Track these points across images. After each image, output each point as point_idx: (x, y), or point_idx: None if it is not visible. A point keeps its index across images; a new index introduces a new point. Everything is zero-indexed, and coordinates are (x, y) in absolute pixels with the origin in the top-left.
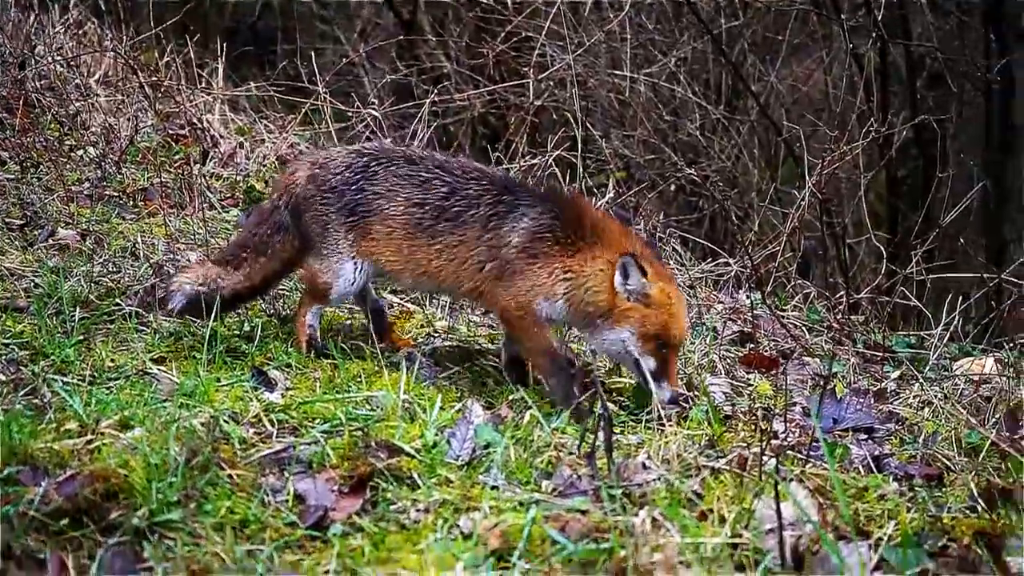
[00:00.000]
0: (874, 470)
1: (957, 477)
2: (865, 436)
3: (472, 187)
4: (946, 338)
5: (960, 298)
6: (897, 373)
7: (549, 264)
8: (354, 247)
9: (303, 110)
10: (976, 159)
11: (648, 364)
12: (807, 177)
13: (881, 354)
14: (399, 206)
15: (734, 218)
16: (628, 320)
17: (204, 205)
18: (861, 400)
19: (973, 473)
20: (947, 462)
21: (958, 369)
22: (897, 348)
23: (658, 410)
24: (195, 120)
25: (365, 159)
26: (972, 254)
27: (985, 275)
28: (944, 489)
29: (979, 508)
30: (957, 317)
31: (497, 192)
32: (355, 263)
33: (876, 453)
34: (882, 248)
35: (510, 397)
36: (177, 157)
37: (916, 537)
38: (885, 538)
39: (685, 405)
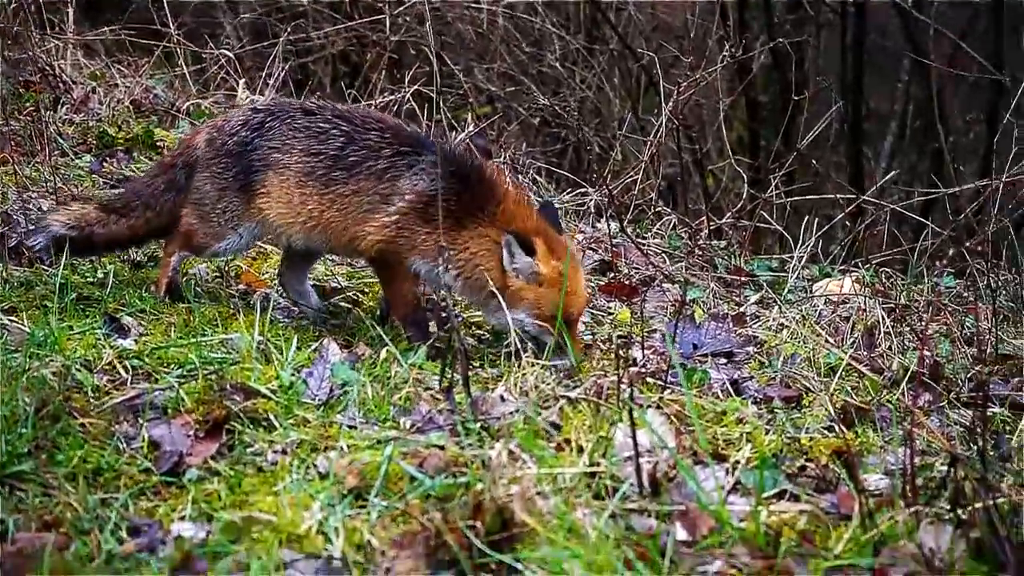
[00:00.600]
0: (733, 394)
1: (815, 398)
2: (724, 361)
3: (372, 137)
4: (805, 260)
5: (821, 220)
6: (757, 297)
7: (435, 232)
8: (245, 213)
9: (157, 53)
10: (833, 81)
11: (547, 340)
12: (664, 104)
13: (742, 278)
14: (294, 156)
15: (596, 148)
16: (522, 302)
17: (56, 152)
18: (720, 325)
19: (831, 393)
20: (805, 383)
21: (817, 291)
22: (758, 272)
23: (515, 343)
24: (46, 66)
25: (261, 115)
26: (832, 176)
27: (841, 196)
28: (802, 410)
29: (836, 428)
30: (817, 239)
31: (398, 144)
32: (240, 232)
33: (735, 377)
34: (743, 173)
35: (367, 335)
36: (27, 104)
37: (774, 459)
38: (743, 461)
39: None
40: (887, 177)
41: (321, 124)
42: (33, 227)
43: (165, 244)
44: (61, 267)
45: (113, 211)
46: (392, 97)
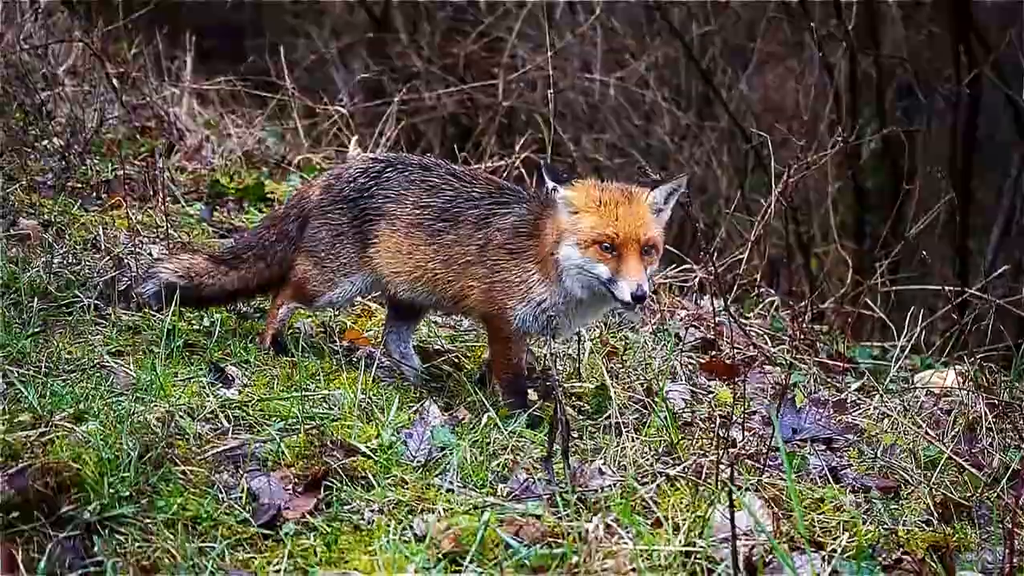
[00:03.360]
0: (831, 481)
1: (914, 490)
2: (823, 447)
3: (476, 190)
4: (908, 350)
5: (924, 310)
6: (858, 384)
7: (524, 260)
8: (358, 261)
9: (271, 105)
10: (943, 171)
11: (600, 271)
12: (773, 185)
13: (843, 365)
14: (405, 207)
15: (701, 224)
16: (565, 235)
17: (168, 198)
18: (820, 410)
19: (929, 487)
20: (904, 475)
21: (919, 381)
22: (859, 359)
23: (616, 417)
24: (162, 112)
25: (381, 165)
26: (938, 266)
27: (948, 287)
28: (900, 502)
29: (934, 522)
30: (920, 329)
31: (498, 195)
32: (353, 280)
33: (834, 464)
34: (848, 259)
35: (468, 399)
36: (142, 150)
37: (870, 549)
38: (839, 550)
39: (645, 301)
40: (995, 273)
41: (434, 179)
42: (144, 273)
43: (274, 296)
44: (169, 313)
45: (223, 262)
46: (502, 162)
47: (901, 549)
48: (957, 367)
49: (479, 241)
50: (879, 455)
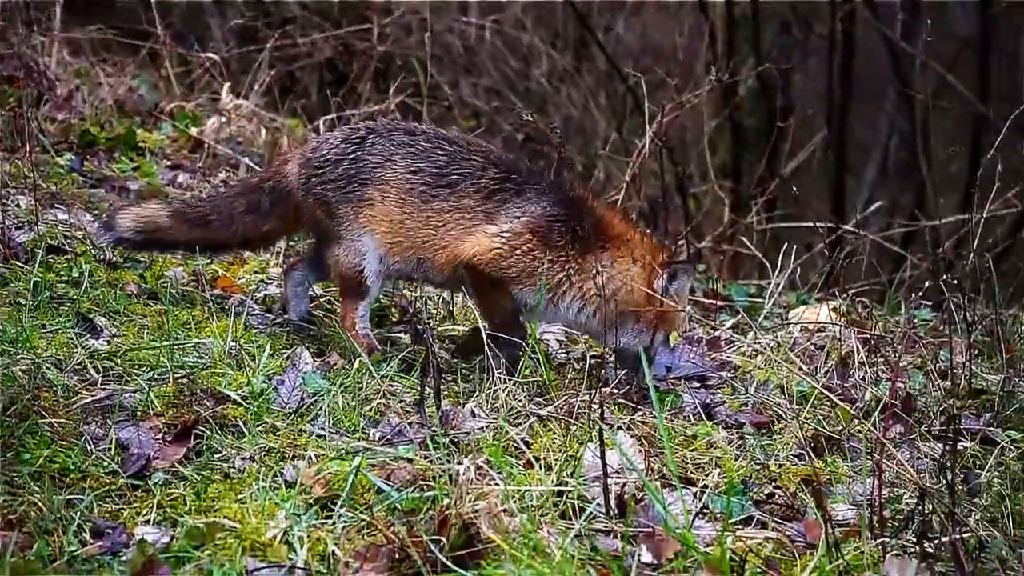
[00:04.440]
0: (704, 418)
1: (786, 425)
2: (698, 384)
3: (475, 159)
4: (783, 287)
5: (800, 248)
6: (732, 322)
7: (561, 260)
8: (360, 219)
9: (143, 53)
10: (821, 109)
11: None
12: (648, 125)
13: (718, 303)
14: (395, 173)
15: (579, 166)
16: (667, 323)
17: (36, 149)
18: (695, 348)
19: (802, 421)
20: (777, 411)
21: (793, 318)
22: (736, 297)
23: (489, 358)
24: (30, 62)
25: (362, 132)
26: (813, 204)
27: (822, 224)
28: (773, 437)
29: (806, 456)
30: (795, 267)
31: (503, 170)
32: (371, 236)
33: (708, 401)
34: (725, 198)
35: (340, 345)
36: (10, 100)
37: (742, 484)
38: (711, 486)
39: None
40: (869, 208)
41: (423, 143)
42: (104, 223)
43: (341, 315)
44: (36, 264)
45: (187, 221)
46: (377, 107)
47: (773, 483)
48: (830, 303)
49: (489, 210)
50: (752, 391)
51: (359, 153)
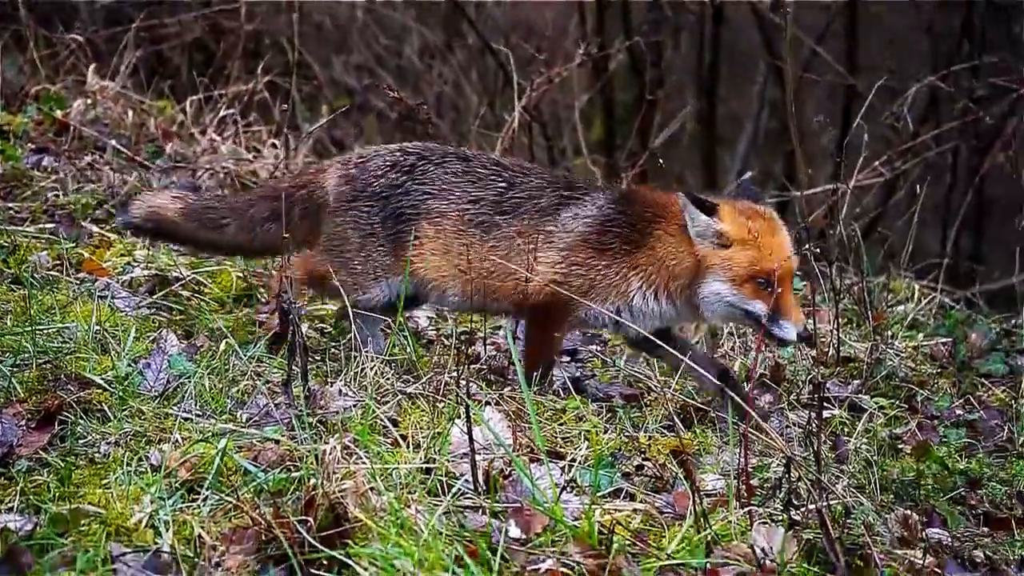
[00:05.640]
0: (573, 392)
1: (655, 398)
2: (567, 359)
3: (534, 180)
4: None
5: None
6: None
7: (618, 262)
8: (393, 266)
9: (6, 36)
10: (690, 82)
11: (757, 308)
12: (517, 100)
13: None
14: (452, 204)
15: (451, 143)
16: (712, 269)
17: None
18: None
19: (671, 393)
20: (647, 383)
21: None
22: None
23: (354, 336)
24: None
25: (412, 158)
26: (686, 176)
27: None
28: (643, 410)
29: (675, 428)
30: None
31: (562, 187)
32: (387, 285)
33: (577, 375)
34: (598, 171)
35: (208, 327)
36: None
37: (611, 457)
38: (580, 459)
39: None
40: (740, 179)
41: (479, 170)
42: (121, 204)
43: (281, 270)
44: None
45: (197, 221)
46: (247, 87)
47: (642, 456)
48: None
49: (547, 228)
50: (622, 365)
51: (410, 184)
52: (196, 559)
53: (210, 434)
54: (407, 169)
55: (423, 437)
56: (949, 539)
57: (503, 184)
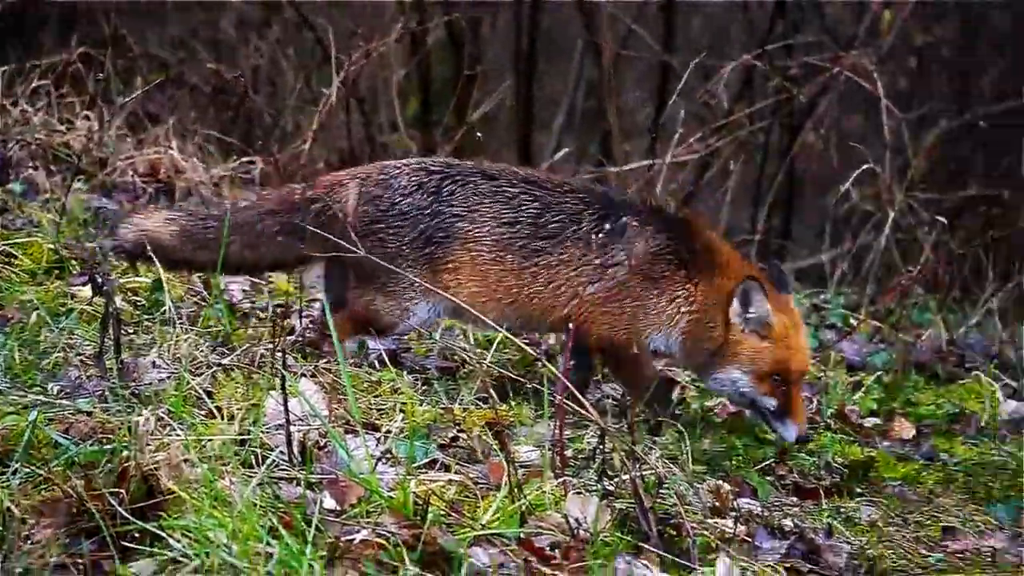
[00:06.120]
0: (389, 365)
1: (471, 370)
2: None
3: (569, 201)
4: None
5: None
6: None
7: (671, 291)
8: (423, 288)
9: None
10: (507, 59)
11: (767, 404)
12: (335, 75)
13: None
14: (485, 227)
15: (267, 118)
16: (739, 357)
17: None
18: None
19: (487, 366)
20: (463, 355)
21: None
22: None
23: (172, 310)
24: None
25: (436, 176)
26: (502, 153)
27: None
28: (458, 382)
29: (490, 399)
30: None
31: (599, 206)
32: (430, 303)
33: (394, 348)
34: (415, 147)
35: (19, 298)
36: None
37: (426, 429)
38: (395, 431)
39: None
40: (556, 156)
41: (509, 189)
42: (111, 227)
43: (342, 320)
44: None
45: (195, 242)
46: (59, 58)
47: (457, 427)
48: None
49: (597, 261)
50: (438, 337)
51: (437, 206)
52: (5, 532)
53: (20, 406)
54: (433, 191)
55: (238, 409)
56: (759, 508)
57: (537, 205)
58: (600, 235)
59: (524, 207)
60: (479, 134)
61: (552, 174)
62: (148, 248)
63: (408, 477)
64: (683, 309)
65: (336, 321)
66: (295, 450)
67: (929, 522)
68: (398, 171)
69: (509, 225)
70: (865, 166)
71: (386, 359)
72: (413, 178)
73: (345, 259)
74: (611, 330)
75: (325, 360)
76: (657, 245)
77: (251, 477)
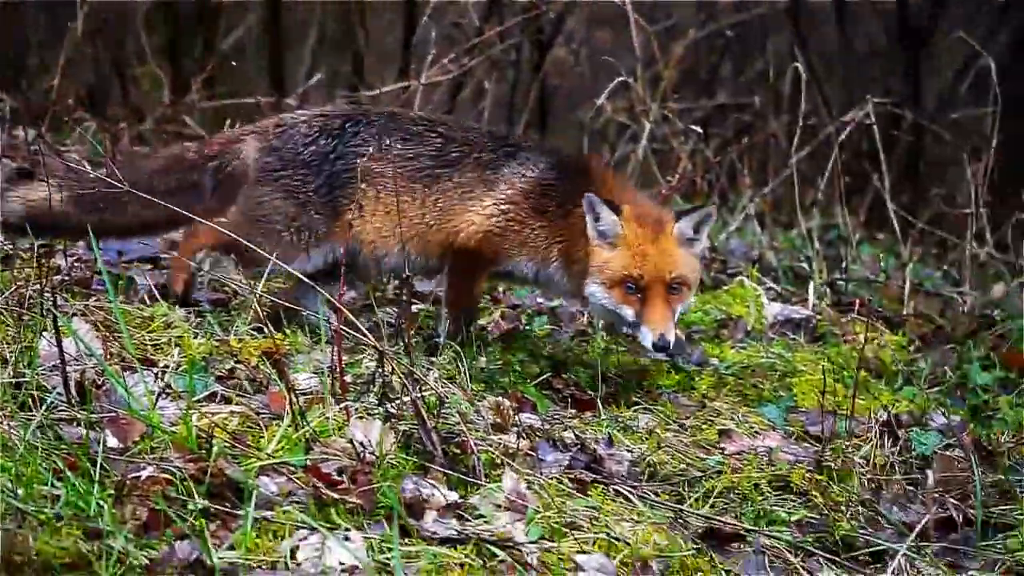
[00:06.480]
0: (160, 299)
1: (244, 300)
2: (150, 267)
3: (471, 135)
4: None
5: (241, 124)
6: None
7: (549, 224)
8: (330, 232)
9: None
10: None
11: (626, 313)
12: (79, 8)
13: None
14: (391, 164)
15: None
16: (593, 269)
17: None
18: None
19: (259, 296)
20: (235, 287)
21: None
22: None
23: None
24: None
25: (339, 119)
26: (256, 80)
27: (263, 99)
28: (231, 313)
29: (265, 329)
30: None
31: (498, 138)
32: (322, 251)
33: (161, 281)
34: (164, 78)
35: None
36: None
37: (203, 362)
38: (172, 365)
39: (671, 352)
40: (310, 82)
41: (411, 127)
42: None
43: (187, 237)
44: None
45: (89, 205)
46: None
47: (235, 359)
48: None
49: (488, 178)
50: (207, 271)
51: (341, 148)
52: None
53: None
54: (336, 134)
55: (10, 352)
56: (540, 423)
57: (439, 140)
58: (495, 160)
59: (427, 141)
60: (233, 63)
61: (449, 118)
62: (41, 219)
63: (189, 411)
64: (556, 239)
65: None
66: (73, 390)
67: (705, 426)
68: (296, 121)
69: (413, 159)
70: (618, 80)
71: (156, 293)
72: (314, 124)
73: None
74: (486, 240)
75: (95, 298)
76: (544, 178)
77: (30, 420)
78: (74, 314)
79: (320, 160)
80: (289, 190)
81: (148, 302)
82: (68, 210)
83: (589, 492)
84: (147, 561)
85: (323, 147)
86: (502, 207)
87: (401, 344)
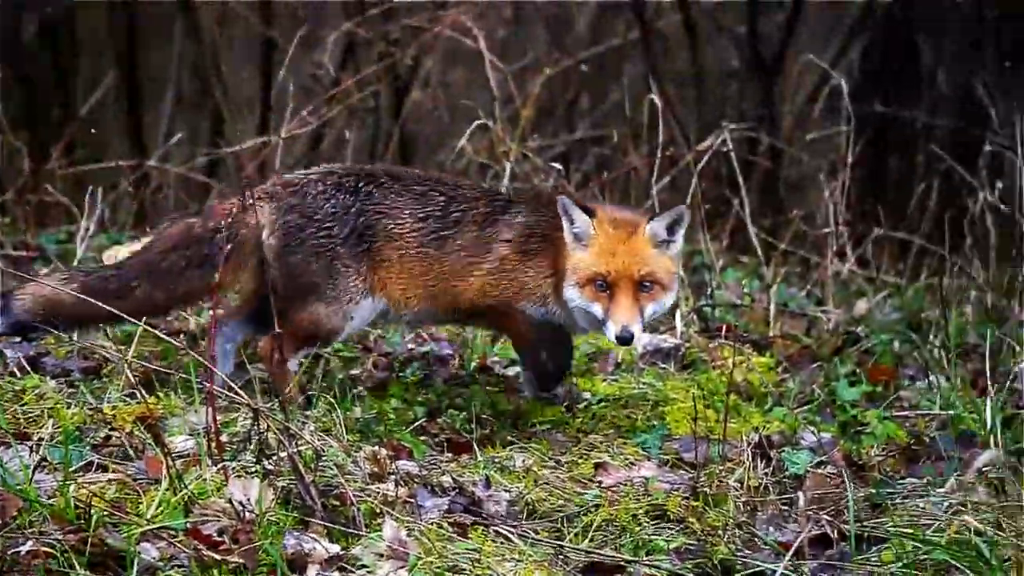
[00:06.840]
0: (31, 371)
1: (114, 367)
2: (19, 339)
3: (467, 191)
4: (92, 231)
5: (106, 189)
6: (47, 270)
7: (540, 265)
8: (368, 281)
9: None
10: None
11: (595, 311)
12: None
13: (29, 254)
14: (405, 223)
15: None
16: (568, 272)
17: None
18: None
19: (129, 361)
20: (104, 353)
21: (107, 259)
22: (47, 245)
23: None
24: None
25: (351, 178)
26: (115, 143)
27: (125, 163)
28: (104, 380)
29: (138, 394)
30: (104, 208)
31: (493, 195)
32: (373, 299)
33: (31, 353)
34: (23, 146)
35: None
36: None
37: (78, 432)
38: (47, 437)
39: (632, 343)
40: (170, 142)
41: (416, 187)
42: (1, 307)
43: (267, 346)
44: None
45: (99, 294)
46: None
47: (109, 426)
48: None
49: (485, 236)
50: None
51: (361, 205)
52: None
53: None
54: (352, 190)
55: None
56: (417, 468)
57: (443, 198)
58: (490, 216)
59: (432, 201)
60: (92, 130)
61: (447, 175)
62: (52, 313)
63: (67, 482)
64: (547, 277)
65: (271, 344)
66: None
67: (581, 460)
68: (308, 179)
69: (423, 220)
70: (477, 122)
71: (26, 365)
72: (328, 181)
73: (271, 280)
74: (489, 295)
75: None
76: (531, 223)
77: None
78: None
79: (343, 211)
80: (316, 248)
81: (18, 374)
82: (75, 301)
83: (470, 535)
84: None
85: (344, 201)
86: (496, 263)
87: (276, 400)
